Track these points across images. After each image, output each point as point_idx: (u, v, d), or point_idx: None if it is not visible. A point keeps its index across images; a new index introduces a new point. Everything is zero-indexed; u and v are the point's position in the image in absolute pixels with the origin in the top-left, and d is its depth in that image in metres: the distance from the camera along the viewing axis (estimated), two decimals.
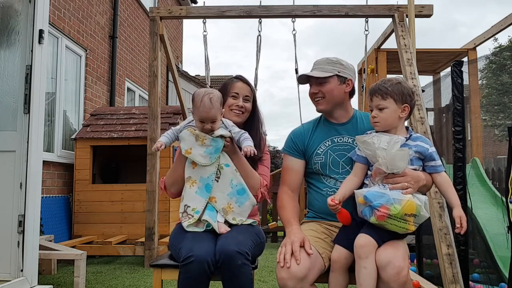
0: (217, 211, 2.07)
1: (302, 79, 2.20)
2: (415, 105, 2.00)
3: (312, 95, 2.17)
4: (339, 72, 2.12)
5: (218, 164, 2.08)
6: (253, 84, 2.51)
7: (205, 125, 2.04)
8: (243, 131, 2.11)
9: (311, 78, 2.15)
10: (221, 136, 2.06)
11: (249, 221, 2.15)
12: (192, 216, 2.05)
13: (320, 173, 2.14)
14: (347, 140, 2.12)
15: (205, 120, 2.04)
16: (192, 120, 2.15)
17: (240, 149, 2.09)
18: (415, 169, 1.89)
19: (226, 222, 2.09)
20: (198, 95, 2.06)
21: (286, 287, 1.79)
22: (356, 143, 1.99)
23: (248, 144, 2.02)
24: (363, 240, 1.79)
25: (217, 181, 2.08)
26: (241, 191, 2.09)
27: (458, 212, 1.83)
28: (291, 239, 1.89)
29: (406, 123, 2.05)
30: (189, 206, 2.07)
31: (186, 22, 11.84)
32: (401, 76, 3.79)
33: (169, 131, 2.15)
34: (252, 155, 1.98)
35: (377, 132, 1.96)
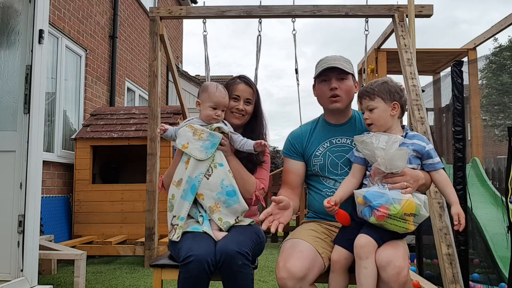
0: (209, 220, 2.06)
1: (325, 70, 2.07)
2: (406, 102, 1.99)
3: (331, 90, 2.08)
4: (353, 72, 2.13)
5: (211, 162, 2.07)
6: None
7: (217, 111, 2.09)
8: (242, 137, 2.14)
9: (332, 73, 2.07)
10: (219, 130, 2.08)
11: (248, 221, 2.15)
12: (178, 225, 2.05)
13: (319, 174, 2.13)
14: (346, 141, 2.12)
15: (219, 105, 2.09)
16: (188, 120, 2.16)
17: (239, 153, 2.14)
18: (413, 168, 1.88)
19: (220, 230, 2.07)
20: (211, 84, 2.15)
21: (286, 286, 1.79)
22: (354, 144, 1.99)
23: (252, 142, 2.07)
24: (363, 240, 1.79)
25: (207, 178, 2.05)
26: (231, 193, 2.06)
27: (456, 209, 1.83)
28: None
29: (405, 122, 2.05)
30: (174, 216, 2.09)
31: (185, 21, 11.85)
32: (389, 76, 3.80)
33: (170, 127, 2.17)
34: (265, 146, 2.06)
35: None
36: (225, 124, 2.13)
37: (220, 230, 2.05)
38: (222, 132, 2.11)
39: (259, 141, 2.07)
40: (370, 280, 1.75)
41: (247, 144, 2.10)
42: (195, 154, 2.05)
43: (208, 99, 2.10)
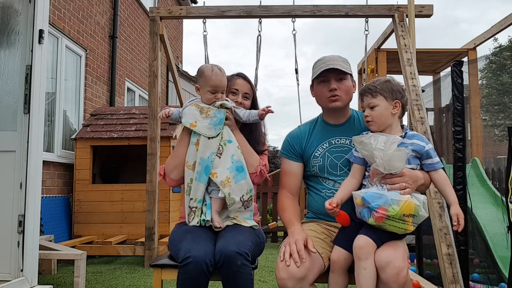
0: (211, 208, 2.08)
1: (324, 71, 2.07)
2: (407, 102, 2.00)
3: (331, 91, 2.08)
4: (351, 72, 2.13)
5: (221, 140, 2.10)
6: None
7: (216, 94, 2.10)
8: (245, 110, 2.19)
9: (331, 74, 2.07)
10: (222, 107, 2.11)
11: (251, 223, 2.15)
12: (196, 208, 2.07)
13: (319, 175, 2.13)
14: (345, 142, 2.11)
15: (218, 88, 2.10)
16: (193, 100, 2.19)
17: (245, 127, 2.20)
18: (412, 168, 1.88)
19: (224, 218, 2.10)
20: (207, 67, 2.15)
21: (286, 287, 1.79)
22: (353, 144, 1.99)
23: (257, 112, 2.12)
24: (362, 241, 1.79)
25: (219, 157, 2.09)
26: (240, 168, 2.10)
27: (455, 209, 1.83)
28: (295, 238, 1.89)
29: (405, 122, 2.05)
30: (191, 199, 2.10)
31: (185, 21, 11.85)
32: (390, 75, 3.80)
33: (174, 109, 2.18)
34: (270, 112, 2.08)
35: (373, 132, 1.97)
36: (227, 101, 2.17)
37: (223, 208, 2.09)
38: (226, 108, 2.14)
39: (262, 108, 2.12)
40: (369, 281, 1.74)
41: (251, 114, 2.15)
42: (204, 132, 2.08)
43: (206, 83, 2.12)
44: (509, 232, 2.86)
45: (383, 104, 1.92)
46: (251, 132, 2.27)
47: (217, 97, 2.12)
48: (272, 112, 2.12)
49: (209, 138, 2.09)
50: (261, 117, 2.14)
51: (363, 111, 1.97)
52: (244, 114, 2.17)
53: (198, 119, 2.10)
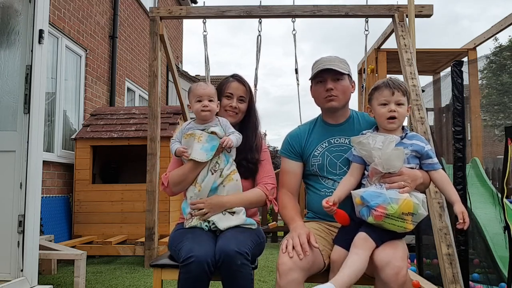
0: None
1: (320, 71, 2.09)
2: None
3: (327, 91, 2.09)
4: (349, 72, 2.14)
5: (218, 158, 2.13)
6: (252, 85, 2.50)
7: (202, 102, 2.12)
8: (235, 131, 2.17)
9: (327, 74, 2.08)
10: (215, 134, 2.11)
11: (250, 223, 2.15)
12: (196, 216, 2.09)
13: (318, 174, 2.14)
14: (344, 141, 2.12)
15: (202, 97, 2.13)
16: (188, 123, 2.22)
17: (238, 155, 2.19)
18: (412, 168, 1.89)
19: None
20: (194, 84, 2.23)
21: (286, 273, 1.77)
22: (352, 144, 1.99)
23: (230, 137, 2.11)
24: (363, 235, 1.79)
25: (212, 173, 2.12)
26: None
27: (459, 207, 1.82)
28: (297, 232, 1.89)
29: (405, 123, 2.06)
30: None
31: (185, 20, 11.86)
32: (389, 75, 3.79)
33: (174, 141, 2.22)
34: (228, 146, 2.08)
35: (376, 131, 1.97)
36: (221, 126, 2.16)
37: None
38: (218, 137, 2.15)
39: (224, 140, 2.10)
40: (356, 266, 1.72)
41: (238, 139, 2.17)
42: (196, 157, 2.08)
43: (193, 96, 2.18)
44: (506, 232, 2.86)
45: (406, 104, 1.94)
46: (247, 139, 2.24)
47: (204, 105, 2.12)
48: (229, 144, 2.09)
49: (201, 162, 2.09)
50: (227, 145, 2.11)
51: (384, 104, 1.92)
52: (236, 141, 2.16)
53: (191, 146, 2.11)
